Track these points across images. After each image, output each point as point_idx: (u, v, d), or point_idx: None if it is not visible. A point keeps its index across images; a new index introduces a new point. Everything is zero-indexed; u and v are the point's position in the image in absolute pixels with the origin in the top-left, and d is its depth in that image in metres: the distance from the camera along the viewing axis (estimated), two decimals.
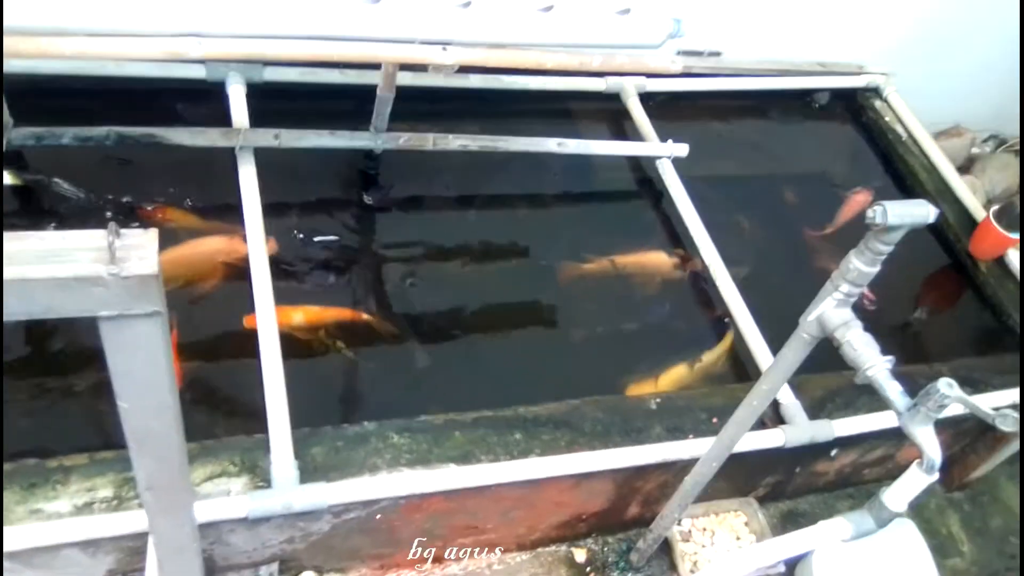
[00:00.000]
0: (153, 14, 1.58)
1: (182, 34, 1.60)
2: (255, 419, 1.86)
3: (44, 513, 1.52)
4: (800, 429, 2.03)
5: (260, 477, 1.65)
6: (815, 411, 2.10)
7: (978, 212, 2.85)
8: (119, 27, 1.58)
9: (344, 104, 2.51)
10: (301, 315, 2.09)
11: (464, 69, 1.87)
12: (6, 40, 1.52)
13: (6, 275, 0.88)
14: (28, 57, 1.55)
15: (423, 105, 2.57)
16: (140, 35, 1.59)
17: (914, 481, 1.43)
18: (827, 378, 2.19)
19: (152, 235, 0.96)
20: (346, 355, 2.11)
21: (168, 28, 1.60)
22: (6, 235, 0.91)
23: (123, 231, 0.94)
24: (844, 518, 1.53)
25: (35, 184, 2.03)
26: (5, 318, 0.92)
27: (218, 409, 1.97)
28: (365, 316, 2.17)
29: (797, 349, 1.50)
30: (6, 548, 1.48)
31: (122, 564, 1.64)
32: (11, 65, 2.05)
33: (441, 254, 2.41)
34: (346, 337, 2.14)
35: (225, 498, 1.60)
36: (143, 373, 1.07)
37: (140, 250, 0.94)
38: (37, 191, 2.07)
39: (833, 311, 1.40)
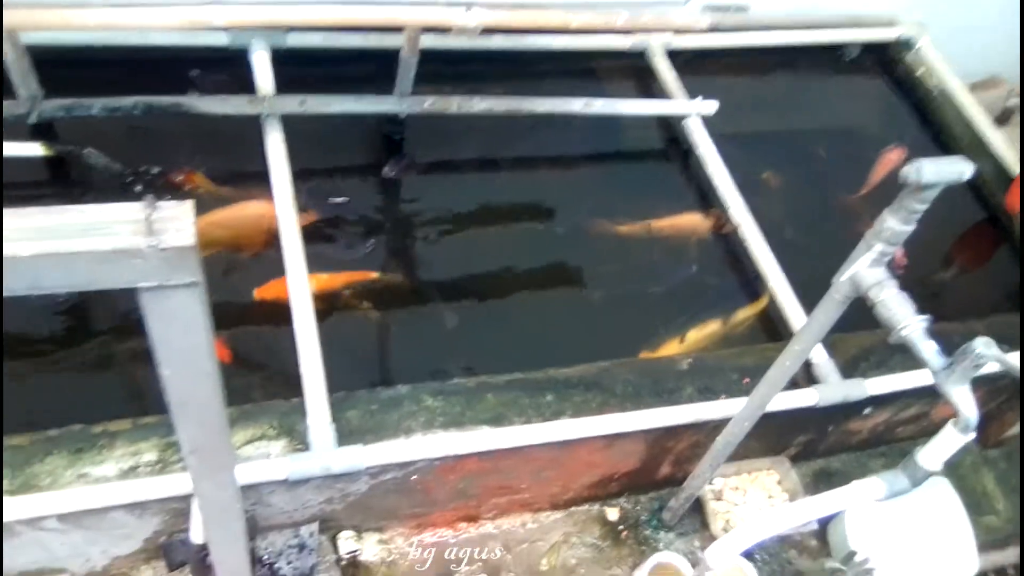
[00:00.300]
0: None
1: (204, 2, 1.60)
2: (290, 383, 1.90)
3: (91, 477, 1.57)
4: (833, 388, 2.03)
5: (298, 440, 1.69)
6: (848, 370, 2.08)
7: (1014, 166, 2.78)
8: None
9: (367, 68, 2.49)
10: (313, 282, 2.08)
11: (487, 30, 1.85)
12: (31, 12, 1.53)
13: (47, 248, 0.90)
14: (53, 29, 1.56)
15: (446, 67, 2.55)
16: (162, 4, 1.59)
17: (949, 440, 1.43)
18: (860, 337, 2.18)
19: (188, 207, 0.97)
20: (369, 316, 2.12)
21: None
22: (47, 209, 0.93)
23: (159, 203, 0.95)
24: (878, 477, 1.53)
25: (66, 154, 2.06)
26: (49, 290, 0.94)
27: (254, 374, 2.01)
28: (375, 276, 2.18)
29: (830, 309, 1.48)
30: (57, 510, 1.54)
31: (167, 525, 1.69)
32: (38, 37, 2.07)
33: (467, 217, 2.41)
34: (373, 300, 2.16)
35: (265, 461, 1.64)
36: (183, 341, 1.09)
37: (177, 222, 0.95)
38: (68, 161, 2.09)
39: (867, 270, 1.38)
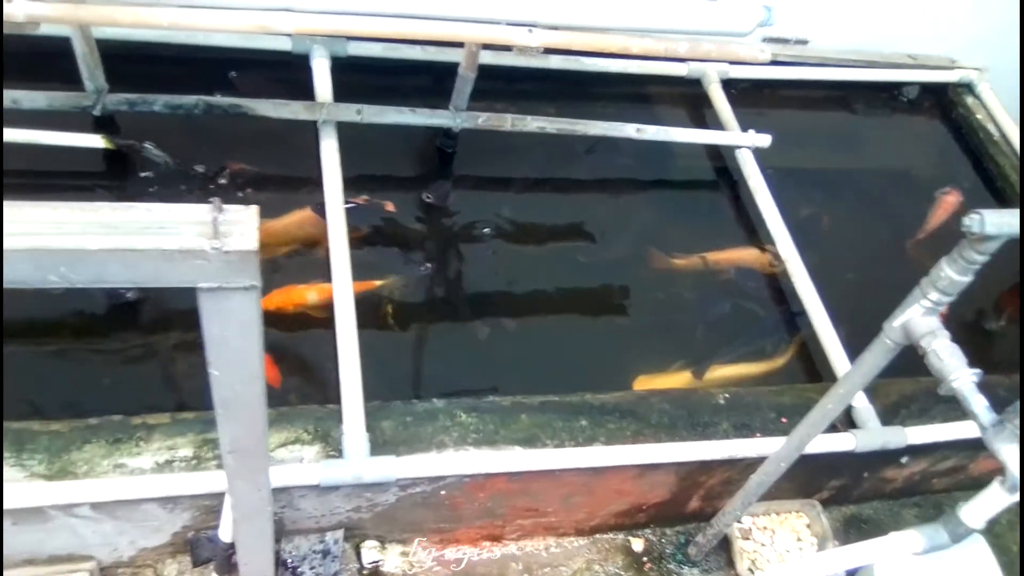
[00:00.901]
0: None
1: (273, 8, 1.62)
2: (325, 388, 1.92)
3: (128, 468, 1.59)
4: (872, 434, 1.99)
5: (332, 447, 1.69)
6: (888, 416, 2.05)
7: None
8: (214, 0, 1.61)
9: (424, 80, 2.52)
10: (315, 293, 2.07)
11: (548, 50, 1.85)
12: (106, 9, 1.57)
13: (114, 243, 0.92)
14: (124, 27, 1.59)
15: (501, 84, 2.57)
16: (233, 7, 1.62)
17: (995, 499, 1.39)
18: (902, 383, 2.14)
19: (253, 212, 0.98)
20: (404, 328, 2.13)
21: (260, 1, 1.62)
22: (115, 205, 0.94)
23: (225, 207, 0.96)
24: (917, 531, 1.49)
25: (126, 148, 2.10)
26: (111, 284, 0.96)
27: (290, 376, 2.02)
28: (377, 284, 2.18)
29: (879, 354, 1.46)
30: (92, 498, 1.55)
31: (197, 521, 1.70)
32: (100, 32, 2.11)
33: (512, 234, 2.41)
34: (409, 312, 2.18)
35: (298, 465, 1.65)
36: (236, 343, 1.10)
37: (242, 225, 0.96)
38: (128, 155, 2.13)
39: (920, 319, 1.36)
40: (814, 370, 2.26)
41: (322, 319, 2.00)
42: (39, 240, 0.90)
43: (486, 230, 2.37)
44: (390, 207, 2.29)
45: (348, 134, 2.20)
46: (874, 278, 2.53)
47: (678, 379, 2.22)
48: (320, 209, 2.08)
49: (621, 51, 1.86)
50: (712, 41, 1.92)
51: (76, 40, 1.91)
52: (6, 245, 0.89)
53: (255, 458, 1.38)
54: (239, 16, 1.59)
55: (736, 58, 1.89)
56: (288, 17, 1.60)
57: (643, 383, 2.18)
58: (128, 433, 1.63)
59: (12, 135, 1.96)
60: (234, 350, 1.11)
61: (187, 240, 0.94)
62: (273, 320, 2.01)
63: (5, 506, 1.51)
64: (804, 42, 2.81)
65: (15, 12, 1.51)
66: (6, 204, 0.92)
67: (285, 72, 2.36)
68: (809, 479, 2.17)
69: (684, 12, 1.90)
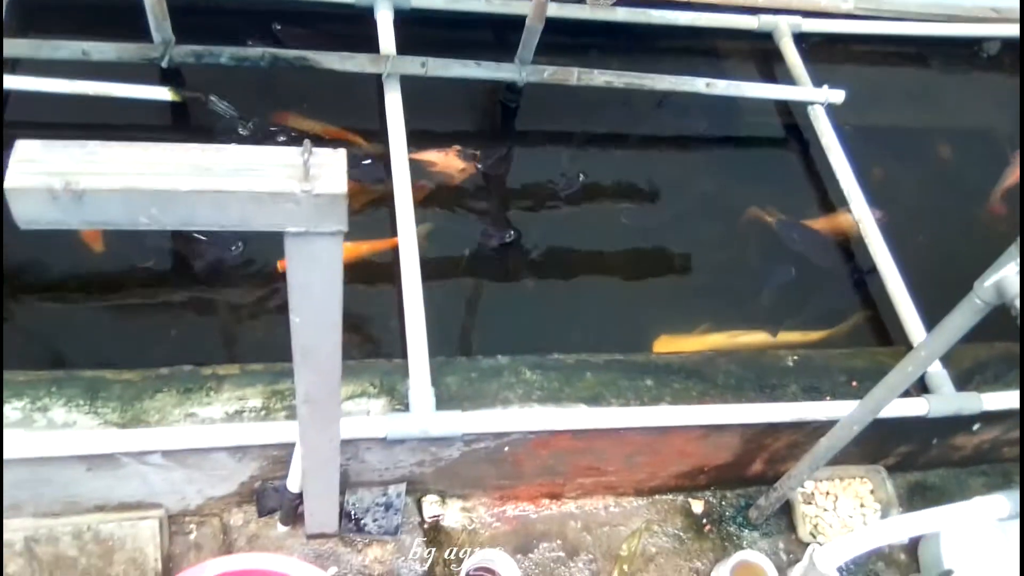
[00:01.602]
0: None
1: None
2: (388, 342, 1.91)
3: (198, 417, 1.60)
4: (946, 400, 1.93)
5: (398, 401, 1.69)
6: (963, 382, 1.98)
7: None
8: None
9: (486, 34, 2.47)
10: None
11: (616, 2, 1.79)
12: None
13: (205, 185, 0.90)
14: None
15: (565, 38, 2.50)
16: None
17: None
18: (976, 348, 2.07)
19: (341, 155, 0.96)
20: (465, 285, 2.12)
21: None
22: (205, 147, 0.93)
23: (315, 149, 0.94)
24: (1004, 495, 1.44)
25: (192, 100, 2.09)
26: (199, 226, 0.95)
27: (355, 331, 2.03)
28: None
29: (966, 315, 1.40)
30: (163, 446, 1.57)
31: (264, 471, 1.72)
32: None
33: (575, 194, 2.37)
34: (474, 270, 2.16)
35: (366, 418, 1.65)
36: (319, 289, 1.09)
37: (331, 168, 0.94)
38: (193, 107, 2.13)
39: (1015, 277, 1.29)
40: (885, 333, 2.19)
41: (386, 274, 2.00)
42: (129, 180, 0.89)
43: (547, 187, 2.33)
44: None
45: (410, 88, 2.17)
46: (949, 239, 2.44)
47: (702, 342, 2.14)
48: (464, 153, 2.15)
49: None
50: None
51: None
52: (99, 184, 0.88)
53: (328, 408, 1.38)
54: None
55: (816, 8, 1.80)
56: None
57: (664, 344, 2.12)
58: (199, 383, 1.64)
59: (82, 87, 1.97)
60: (317, 297, 1.10)
61: (278, 182, 0.92)
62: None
63: (80, 451, 1.54)
64: None
65: None
66: (99, 144, 0.91)
67: (345, 26, 2.33)
68: (876, 444, 2.12)
69: None
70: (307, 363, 1.23)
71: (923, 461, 2.26)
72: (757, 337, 2.15)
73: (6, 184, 0.84)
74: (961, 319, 1.42)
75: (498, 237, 2.16)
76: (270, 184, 0.92)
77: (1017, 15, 2.88)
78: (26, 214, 0.89)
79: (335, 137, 2.22)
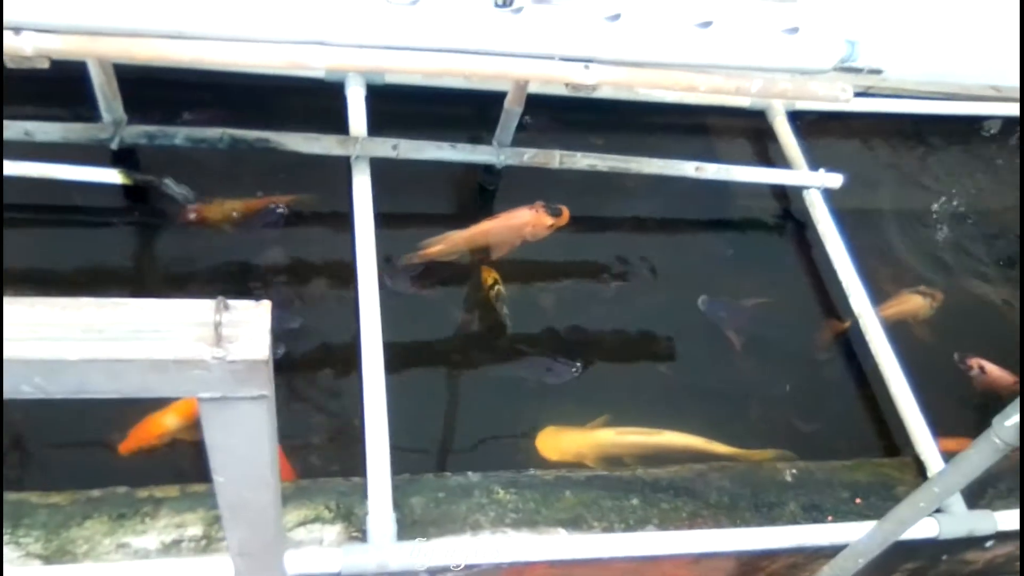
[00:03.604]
0: (275, 19, 1.45)
1: (306, 41, 1.47)
2: (349, 447, 1.75)
3: (131, 548, 1.43)
4: (957, 520, 1.77)
5: (355, 526, 1.52)
6: (974, 497, 1.83)
7: None
8: (239, 32, 1.46)
9: (464, 109, 2.35)
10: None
11: None
12: (126, 42, 1.42)
13: (97, 352, 0.76)
14: (143, 61, 1.45)
15: (544, 113, 2.38)
16: (261, 41, 1.46)
17: None
18: None
19: (265, 308, 0.81)
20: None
21: (291, 34, 1.47)
22: (101, 301, 0.79)
23: (231, 303, 0.80)
24: None
25: (145, 184, 1.95)
26: (93, 395, 0.80)
27: (312, 432, 1.86)
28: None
29: (985, 454, 1.27)
30: None
31: None
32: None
33: (558, 272, 2.24)
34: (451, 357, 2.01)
35: (318, 548, 1.48)
36: (243, 451, 0.93)
37: (251, 326, 0.80)
38: (147, 190, 1.99)
39: None
40: (890, 439, 2.05)
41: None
42: (8, 347, 0.74)
43: (528, 268, 2.19)
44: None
45: (382, 166, 2.04)
46: (959, 334, 2.29)
47: (585, 439, 1.91)
48: (550, 207, 2.14)
49: (687, 89, 1.68)
50: (788, 79, 1.73)
51: (93, 69, 1.77)
52: None
53: (267, 559, 1.21)
54: (268, 50, 1.43)
55: (815, 98, 1.70)
56: (322, 52, 1.45)
57: (548, 438, 1.90)
58: (133, 507, 1.48)
59: (25, 168, 1.83)
60: (241, 458, 0.94)
61: (183, 348, 0.78)
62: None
63: None
64: (878, 72, 2.60)
65: (22, 46, 1.37)
66: None
67: (315, 99, 2.21)
68: (880, 562, 1.95)
69: (758, 46, 1.71)
70: (238, 519, 1.07)
71: None
72: (655, 439, 1.92)
73: None
74: (979, 457, 1.28)
75: (565, 368, 2.03)
76: (174, 350, 0.77)
77: (1017, 94, 2.79)
78: None
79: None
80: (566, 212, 2.17)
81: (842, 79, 1.97)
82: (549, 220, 2.15)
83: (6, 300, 0.78)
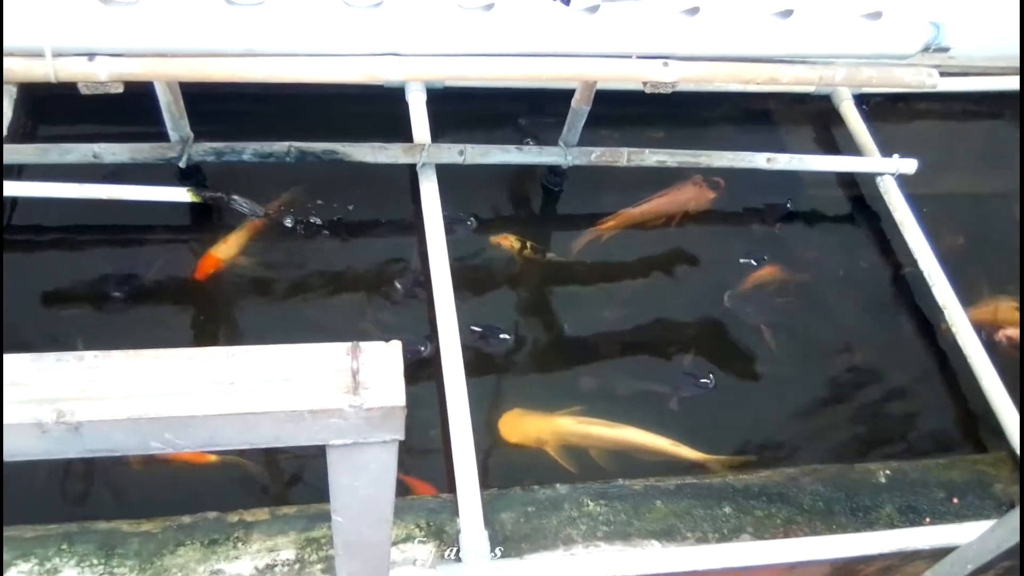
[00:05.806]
0: (347, 32, 1.41)
1: (380, 53, 1.43)
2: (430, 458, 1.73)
3: (225, 575, 1.42)
4: None
5: (447, 544, 1.50)
6: None
7: None
8: (310, 47, 1.42)
9: (524, 106, 2.30)
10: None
11: None
12: (196, 63, 1.39)
13: (229, 407, 0.73)
14: (218, 80, 1.42)
15: (604, 107, 2.32)
16: (334, 55, 1.43)
17: None
18: None
19: (396, 349, 0.78)
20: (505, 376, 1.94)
21: (364, 47, 1.43)
22: (230, 351, 0.76)
23: (364, 346, 0.77)
24: None
25: (213, 201, 1.93)
26: (224, 448, 0.77)
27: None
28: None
29: None
30: None
31: None
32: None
33: (625, 271, 2.18)
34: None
35: (413, 568, 1.46)
36: (367, 492, 0.91)
37: (385, 370, 0.77)
38: (215, 208, 1.97)
39: None
40: (976, 435, 1.98)
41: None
42: (135, 405, 0.71)
43: (595, 268, 2.13)
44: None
45: (447, 169, 2.00)
46: None
47: (551, 426, 1.84)
48: (709, 180, 2.24)
49: (768, 82, 1.62)
50: (872, 68, 1.66)
51: (160, 88, 1.75)
52: (98, 414, 0.71)
53: None
54: (342, 65, 1.40)
55: (902, 85, 1.63)
56: (397, 63, 1.40)
57: (511, 421, 1.84)
58: (224, 533, 1.46)
59: (94, 191, 1.82)
60: (363, 500, 0.92)
61: (320, 397, 0.75)
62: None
63: None
64: (945, 50, 2.49)
65: (97, 71, 1.35)
66: (103, 354, 0.74)
67: (375, 105, 2.17)
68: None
69: (839, 34, 1.64)
70: (352, 555, 1.05)
71: None
72: (615, 433, 1.83)
73: None
74: None
75: (697, 382, 1.98)
76: (310, 400, 0.74)
77: None
78: (11, 448, 0.71)
79: None
80: (723, 184, 2.25)
81: (936, 71, 1.87)
82: (711, 193, 2.25)
83: (129, 353, 0.76)
